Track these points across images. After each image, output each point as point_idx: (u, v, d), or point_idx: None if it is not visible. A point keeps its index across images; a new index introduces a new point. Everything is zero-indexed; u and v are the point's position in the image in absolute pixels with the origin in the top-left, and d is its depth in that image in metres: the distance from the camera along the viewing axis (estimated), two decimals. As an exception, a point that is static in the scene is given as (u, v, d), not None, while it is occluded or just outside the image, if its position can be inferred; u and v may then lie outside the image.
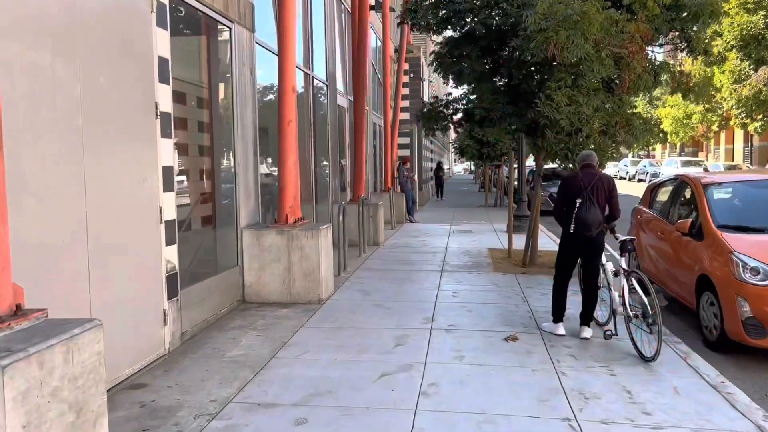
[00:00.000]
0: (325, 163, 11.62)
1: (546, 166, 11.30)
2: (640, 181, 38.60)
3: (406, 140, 22.33)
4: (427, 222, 16.93)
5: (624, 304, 5.52)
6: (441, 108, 10.18)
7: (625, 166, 43.49)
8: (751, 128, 30.50)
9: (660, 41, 9.15)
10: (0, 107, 2.74)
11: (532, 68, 8.92)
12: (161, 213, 5.20)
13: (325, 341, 5.67)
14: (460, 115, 10.22)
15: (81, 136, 4.15)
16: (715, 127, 40.79)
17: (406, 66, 20.76)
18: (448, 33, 9.87)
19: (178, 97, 6.19)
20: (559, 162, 8.92)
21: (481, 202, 24.23)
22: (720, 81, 29.33)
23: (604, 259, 5.88)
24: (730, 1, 24.74)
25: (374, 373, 4.82)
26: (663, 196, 8.27)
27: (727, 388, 4.59)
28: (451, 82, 9.97)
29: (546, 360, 5.18)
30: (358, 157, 12.47)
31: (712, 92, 31.29)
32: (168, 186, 5.32)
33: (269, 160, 8.42)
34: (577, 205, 5.63)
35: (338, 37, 12.70)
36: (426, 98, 22.42)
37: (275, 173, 8.12)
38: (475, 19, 8.93)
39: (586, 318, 5.85)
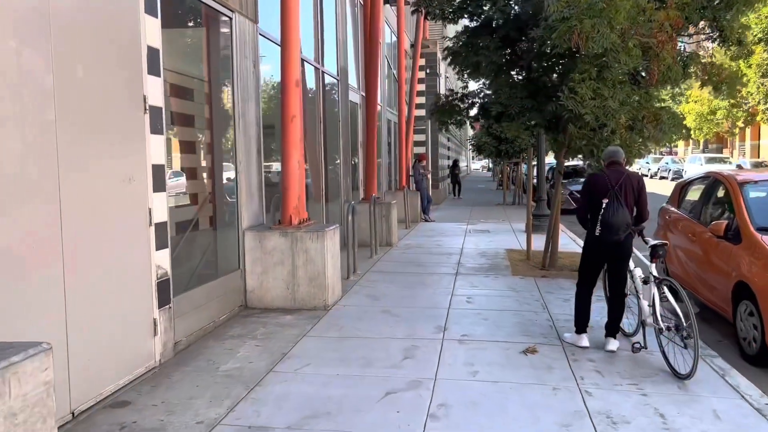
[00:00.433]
0: (336, 161, 11.23)
1: (567, 163, 10.77)
2: (662, 178, 37.68)
3: (422, 137, 21.85)
4: (443, 221, 16.44)
5: (654, 314, 5.03)
6: (456, 101, 9.72)
7: (647, 163, 42.41)
8: (778, 124, 29.55)
9: (689, 31, 8.60)
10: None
11: (553, 60, 8.43)
12: (150, 215, 4.81)
13: (327, 353, 5.26)
14: (476, 110, 9.75)
15: (54, 131, 3.77)
16: (740, 123, 39.67)
17: (421, 61, 20.28)
18: (464, 22, 9.41)
19: (174, 92, 5.81)
20: (582, 158, 8.41)
21: (500, 200, 23.70)
22: (746, 75, 28.37)
23: (632, 264, 5.39)
24: (761, -9, 23.85)
25: (379, 391, 4.40)
26: (693, 195, 7.74)
27: (774, 411, 4.10)
28: (466, 76, 9.48)
29: (568, 377, 4.71)
30: (369, 154, 12.06)
31: (738, 87, 30.29)
32: (159, 186, 4.93)
33: (275, 159, 8.03)
34: (604, 205, 5.13)
35: (351, 32, 12.29)
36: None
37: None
38: (493, 7, 8.46)
39: (613, 329, 5.37)
